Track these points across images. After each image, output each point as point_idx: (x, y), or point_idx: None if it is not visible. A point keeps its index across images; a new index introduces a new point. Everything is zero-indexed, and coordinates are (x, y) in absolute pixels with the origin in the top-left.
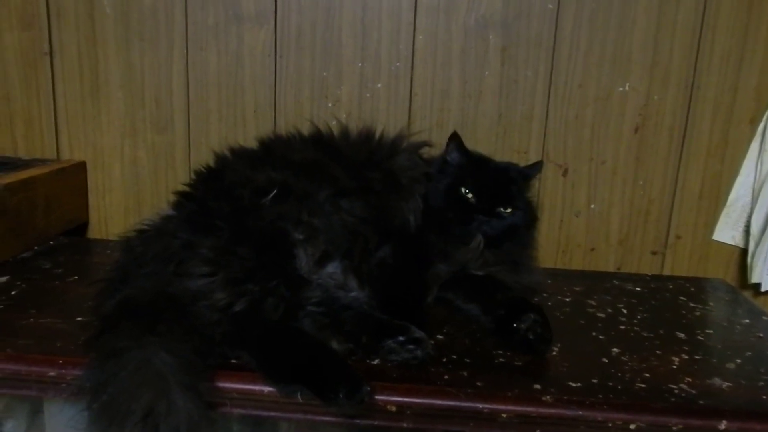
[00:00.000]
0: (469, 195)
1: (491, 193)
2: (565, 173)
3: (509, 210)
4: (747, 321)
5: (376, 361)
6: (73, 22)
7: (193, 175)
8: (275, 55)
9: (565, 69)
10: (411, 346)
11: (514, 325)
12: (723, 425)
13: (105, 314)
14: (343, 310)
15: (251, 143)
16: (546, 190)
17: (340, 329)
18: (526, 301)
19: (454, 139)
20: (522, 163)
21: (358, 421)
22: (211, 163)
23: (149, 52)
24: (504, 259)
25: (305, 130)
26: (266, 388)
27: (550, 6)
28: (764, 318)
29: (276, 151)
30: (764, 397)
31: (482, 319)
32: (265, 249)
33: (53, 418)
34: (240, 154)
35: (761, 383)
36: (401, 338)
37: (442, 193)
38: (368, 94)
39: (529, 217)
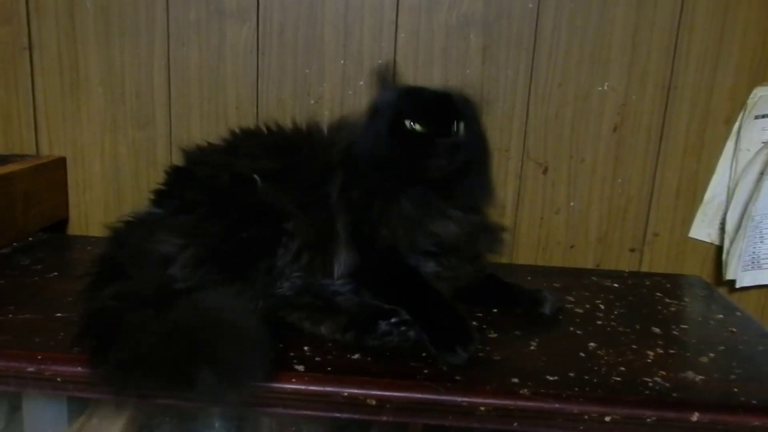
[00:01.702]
0: (416, 126)
1: (439, 112)
2: (545, 171)
3: (463, 128)
4: (721, 316)
5: (356, 356)
6: (53, 16)
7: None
8: (257, 51)
9: (545, 68)
10: (403, 328)
11: (542, 311)
12: (695, 417)
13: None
14: (334, 295)
15: None
16: (526, 188)
17: (336, 310)
18: (533, 291)
19: (378, 74)
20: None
21: (338, 414)
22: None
23: (130, 47)
24: (481, 222)
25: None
26: None
27: (531, 6)
28: (738, 313)
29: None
30: (735, 390)
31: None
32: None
33: (32, 414)
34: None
35: (733, 376)
36: (394, 320)
37: (384, 139)
38: (350, 92)
39: (484, 147)
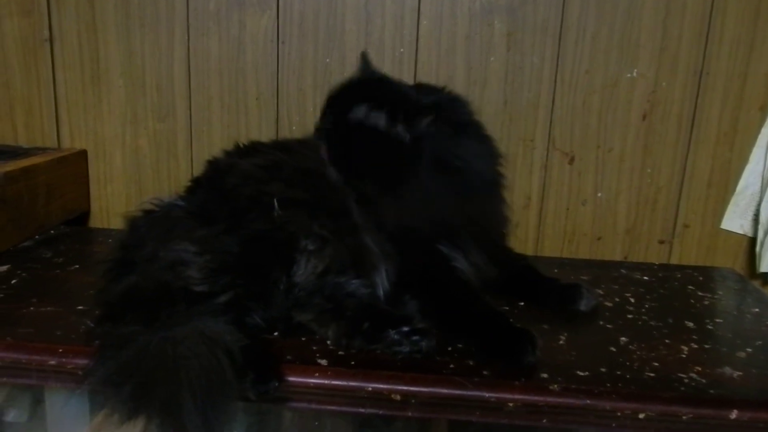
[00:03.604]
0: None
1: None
2: (571, 161)
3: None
4: (756, 310)
5: (378, 350)
6: (73, 8)
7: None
8: (277, 41)
9: (572, 55)
10: (415, 338)
11: (576, 308)
12: (734, 415)
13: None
14: (345, 297)
15: (253, 131)
16: (552, 179)
17: (342, 314)
18: (570, 286)
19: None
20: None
21: (362, 409)
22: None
23: (150, 38)
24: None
25: (308, 119)
26: None
27: None
28: None
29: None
30: None
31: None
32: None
33: (55, 407)
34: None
35: None
36: (405, 329)
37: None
38: None
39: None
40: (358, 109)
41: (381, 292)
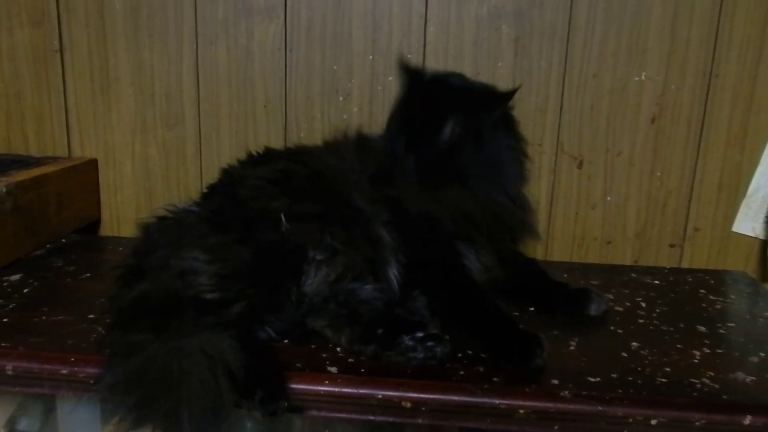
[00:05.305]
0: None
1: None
2: (580, 165)
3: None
4: None
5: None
6: (83, 18)
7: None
8: (285, 49)
9: (579, 59)
10: (430, 344)
11: (587, 313)
12: (747, 420)
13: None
14: (360, 303)
15: (262, 139)
16: (561, 183)
17: (356, 320)
18: (579, 291)
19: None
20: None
21: (372, 417)
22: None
23: (159, 47)
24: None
25: (316, 126)
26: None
27: None
28: None
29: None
30: None
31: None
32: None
33: (66, 416)
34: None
35: None
36: (419, 334)
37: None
38: (379, 88)
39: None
40: (445, 131)
41: (396, 286)
